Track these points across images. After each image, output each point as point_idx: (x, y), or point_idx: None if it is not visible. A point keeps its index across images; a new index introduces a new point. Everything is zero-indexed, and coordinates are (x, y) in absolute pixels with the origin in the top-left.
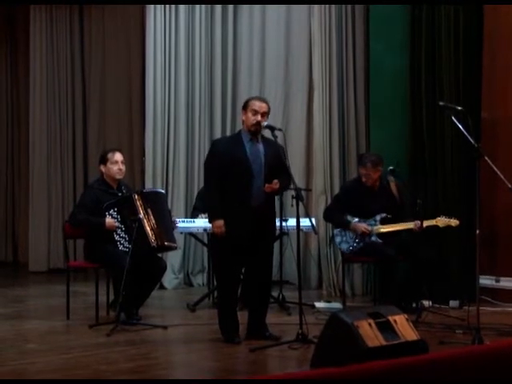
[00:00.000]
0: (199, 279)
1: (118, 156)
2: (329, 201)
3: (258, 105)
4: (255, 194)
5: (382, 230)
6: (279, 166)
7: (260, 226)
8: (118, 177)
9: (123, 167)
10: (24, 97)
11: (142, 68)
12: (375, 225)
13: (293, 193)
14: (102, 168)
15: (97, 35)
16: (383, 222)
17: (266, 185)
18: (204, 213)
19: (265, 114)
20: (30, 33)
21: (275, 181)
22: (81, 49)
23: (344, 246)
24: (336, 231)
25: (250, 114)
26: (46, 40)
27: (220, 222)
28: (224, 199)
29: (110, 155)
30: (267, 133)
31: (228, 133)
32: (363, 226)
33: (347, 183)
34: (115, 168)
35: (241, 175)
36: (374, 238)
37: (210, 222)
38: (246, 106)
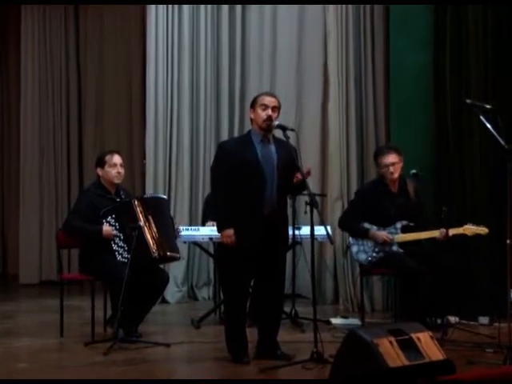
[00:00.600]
0: (204, 293)
1: (117, 158)
2: (346, 207)
3: (267, 99)
4: (267, 199)
5: (404, 239)
6: (292, 169)
7: (272, 235)
8: (117, 181)
9: (122, 170)
10: (15, 97)
11: (143, 66)
12: (396, 233)
13: (306, 198)
14: (99, 171)
15: (93, 34)
16: (404, 229)
17: (299, 174)
18: (213, 220)
19: (275, 109)
20: (22, 32)
21: (308, 166)
22: (76, 48)
23: (362, 257)
24: (353, 240)
25: (259, 110)
26: (39, 39)
27: (230, 232)
28: (233, 206)
29: (107, 157)
30: (279, 133)
31: (236, 134)
32: (384, 234)
33: (364, 186)
34: (113, 171)
35: (252, 179)
36: (394, 248)
37: (218, 231)
38: (254, 103)
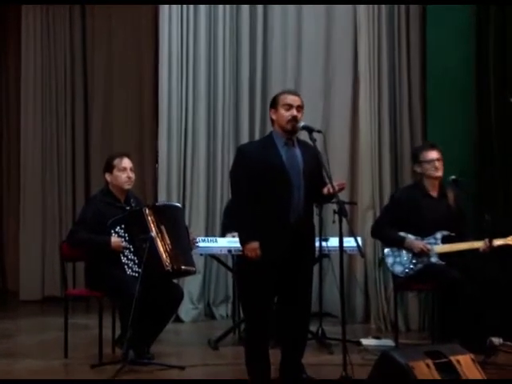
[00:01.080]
0: (222, 310)
1: (127, 162)
2: (378, 216)
3: (290, 98)
4: (294, 207)
5: (444, 250)
6: (318, 175)
7: (298, 247)
8: (127, 187)
9: (132, 175)
10: (14, 99)
11: (155, 65)
12: (435, 244)
13: (334, 207)
14: (108, 177)
15: (101, 32)
16: (444, 240)
17: (334, 184)
18: (234, 231)
19: (300, 109)
20: (22, 30)
21: (342, 182)
22: (82, 46)
23: (398, 269)
24: (387, 251)
25: (282, 111)
26: (41, 38)
27: (255, 245)
28: (257, 215)
29: (116, 161)
30: (303, 135)
31: (257, 137)
32: (421, 244)
33: (400, 190)
34: (123, 176)
35: (277, 185)
36: (434, 259)
37: (242, 243)
38: (275, 103)
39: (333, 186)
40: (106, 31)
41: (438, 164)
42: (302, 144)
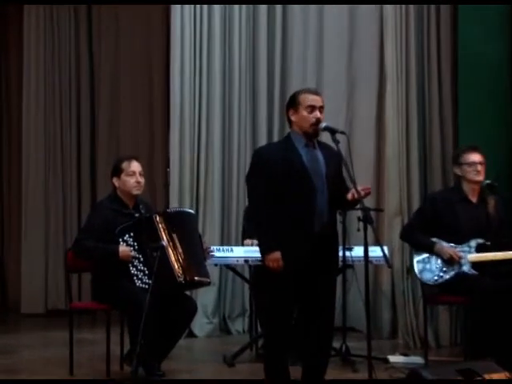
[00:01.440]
0: (239, 325)
1: (136, 166)
2: (407, 221)
3: (312, 98)
4: (318, 213)
5: (478, 259)
6: (340, 179)
7: (322, 256)
8: (136, 192)
9: (142, 180)
10: (15, 100)
11: (165, 61)
12: (469, 252)
13: (359, 214)
14: (115, 181)
15: (108, 27)
16: (479, 249)
17: (359, 188)
18: (253, 238)
19: (322, 109)
20: (24, 27)
21: (367, 187)
22: (88, 42)
23: (427, 276)
24: (417, 257)
25: (304, 113)
26: (45, 34)
27: (277, 255)
28: (279, 222)
29: (124, 165)
30: (325, 137)
31: (276, 138)
32: (452, 250)
33: (436, 192)
34: (132, 181)
35: (299, 190)
36: (466, 268)
37: (262, 254)
38: (295, 103)
39: (357, 191)
40: (113, 28)
41: (479, 168)
42: (322, 146)
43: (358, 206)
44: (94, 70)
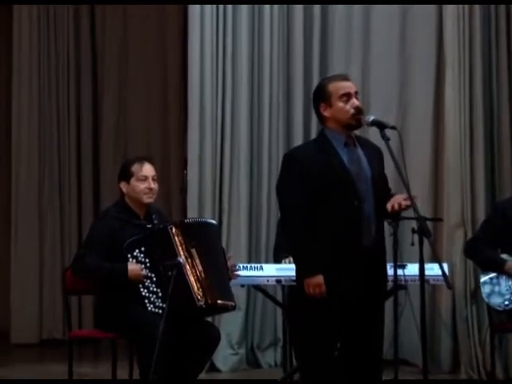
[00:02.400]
0: (270, 357)
1: (148, 169)
2: (469, 236)
3: (345, 85)
4: (366, 226)
5: None
6: (384, 181)
7: (370, 277)
8: (147, 200)
9: (155, 186)
10: (4, 93)
11: (182, 50)
12: None
13: (414, 224)
14: (124, 187)
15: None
16: None
17: (399, 197)
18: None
19: (357, 95)
20: (14, 15)
21: (404, 196)
22: (91, 23)
23: (495, 301)
24: (483, 277)
25: (340, 103)
26: (39, 32)
27: (319, 279)
28: (320, 239)
29: (135, 167)
30: (372, 134)
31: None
32: None
33: (507, 200)
34: (143, 187)
35: (343, 199)
36: None
37: (301, 277)
38: (325, 95)
39: (410, 197)
40: (120, 12)
41: None
42: (362, 142)
43: (413, 215)
44: (97, 55)
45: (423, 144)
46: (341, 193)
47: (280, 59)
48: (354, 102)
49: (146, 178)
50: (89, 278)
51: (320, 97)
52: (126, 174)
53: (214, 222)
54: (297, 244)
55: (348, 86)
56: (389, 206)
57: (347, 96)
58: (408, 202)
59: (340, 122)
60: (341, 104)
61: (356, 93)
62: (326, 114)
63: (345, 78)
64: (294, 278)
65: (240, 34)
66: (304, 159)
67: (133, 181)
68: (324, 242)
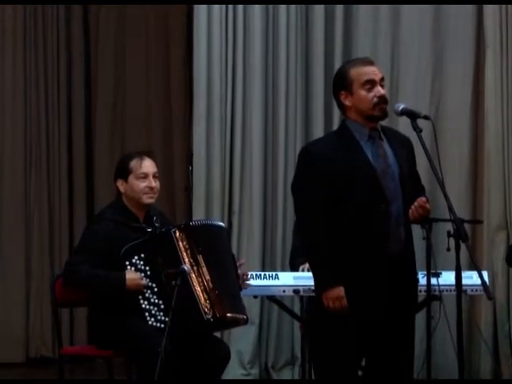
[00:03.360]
0: (287, 377)
1: (149, 165)
2: None
3: (369, 70)
4: (393, 230)
5: None
6: (415, 177)
7: (397, 286)
8: (148, 201)
9: (157, 185)
10: None
11: (187, 32)
12: None
13: (449, 227)
14: (121, 185)
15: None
16: None
17: (416, 205)
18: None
19: (383, 83)
20: None
21: (423, 199)
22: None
23: None
24: None
25: (363, 92)
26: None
27: (339, 291)
28: (340, 246)
29: (134, 163)
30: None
31: (338, 121)
32: None
33: None
34: (142, 185)
35: (368, 200)
36: None
37: (319, 289)
38: (346, 82)
39: (445, 195)
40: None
41: None
42: (389, 134)
43: (449, 217)
44: (90, 39)
45: (460, 135)
46: (364, 193)
47: (298, 42)
48: (379, 90)
49: (146, 176)
50: (82, 288)
51: (340, 84)
52: (123, 171)
53: (222, 224)
54: (314, 251)
55: (372, 72)
56: (410, 215)
57: (371, 83)
58: (428, 206)
59: (362, 112)
60: (363, 92)
61: (382, 79)
62: (347, 103)
63: (369, 62)
64: (314, 288)
65: (253, 11)
66: (323, 155)
67: (131, 178)
68: (345, 250)
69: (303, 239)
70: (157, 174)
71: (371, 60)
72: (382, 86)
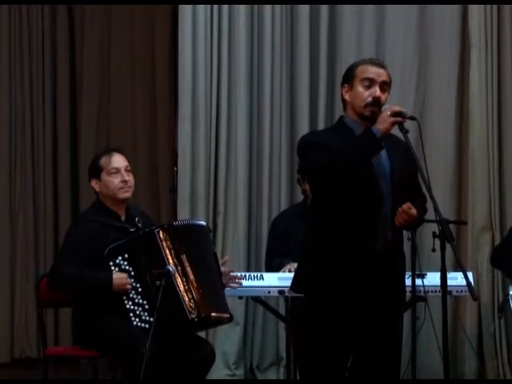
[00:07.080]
0: (272, 376)
1: (119, 160)
2: (497, 241)
3: (372, 70)
4: (381, 228)
5: None
6: (409, 179)
7: (383, 287)
8: (123, 195)
9: (131, 178)
10: None
11: (172, 27)
12: None
13: (434, 228)
14: (95, 185)
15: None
16: None
17: (400, 209)
18: (285, 259)
19: (386, 87)
20: None
21: (407, 204)
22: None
23: None
24: None
25: (359, 88)
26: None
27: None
28: (326, 242)
29: (103, 160)
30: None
31: (321, 127)
32: None
33: None
34: (116, 181)
35: (360, 197)
36: None
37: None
38: (350, 76)
39: (431, 196)
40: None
41: None
42: (386, 136)
43: (434, 218)
44: (75, 38)
45: (445, 135)
46: (359, 187)
47: (283, 42)
48: (376, 91)
49: (117, 170)
50: (66, 289)
51: (346, 77)
52: (95, 171)
53: (203, 223)
54: (337, 159)
55: (375, 72)
56: (395, 220)
57: (370, 82)
58: (413, 211)
59: (355, 109)
60: (360, 89)
61: (384, 83)
62: (347, 97)
63: (378, 63)
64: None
65: (238, 12)
66: (324, 141)
67: (104, 176)
68: (332, 245)
69: (330, 171)
70: (129, 168)
71: (382, 63)
72: (384, 90)
